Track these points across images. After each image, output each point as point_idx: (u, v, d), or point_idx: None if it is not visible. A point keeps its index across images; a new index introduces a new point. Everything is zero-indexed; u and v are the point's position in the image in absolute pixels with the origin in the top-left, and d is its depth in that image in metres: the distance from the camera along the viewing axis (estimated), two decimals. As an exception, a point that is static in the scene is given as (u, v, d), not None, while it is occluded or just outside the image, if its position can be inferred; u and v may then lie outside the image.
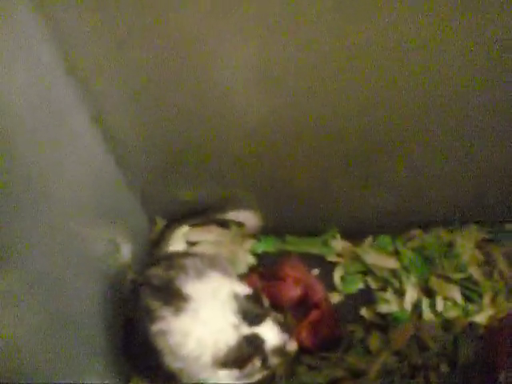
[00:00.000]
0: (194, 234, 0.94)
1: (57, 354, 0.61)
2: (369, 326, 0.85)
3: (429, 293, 0.87)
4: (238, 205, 0.89)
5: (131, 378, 0.81)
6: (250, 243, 0.94)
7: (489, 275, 0.87)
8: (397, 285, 0.87)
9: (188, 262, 0.73)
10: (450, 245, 0.90)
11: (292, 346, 0.73)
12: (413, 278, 0.87)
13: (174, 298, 0.68)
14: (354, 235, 0.94)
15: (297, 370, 0.80)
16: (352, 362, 0.81)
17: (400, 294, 0.87)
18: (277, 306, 0.81)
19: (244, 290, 0.72)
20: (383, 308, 0.86)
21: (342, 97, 0.69)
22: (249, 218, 0.90)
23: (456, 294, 0.85)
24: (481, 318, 0.82)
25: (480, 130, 0.74)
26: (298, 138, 0.76)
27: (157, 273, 0.72)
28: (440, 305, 0.85)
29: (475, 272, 0.87)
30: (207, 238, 0.94)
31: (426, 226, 0.93)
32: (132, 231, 0.89)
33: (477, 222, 0.91)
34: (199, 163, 0.83)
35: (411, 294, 0.86)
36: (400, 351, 0.80)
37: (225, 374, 0.68)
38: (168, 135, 0.77)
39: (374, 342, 0.83)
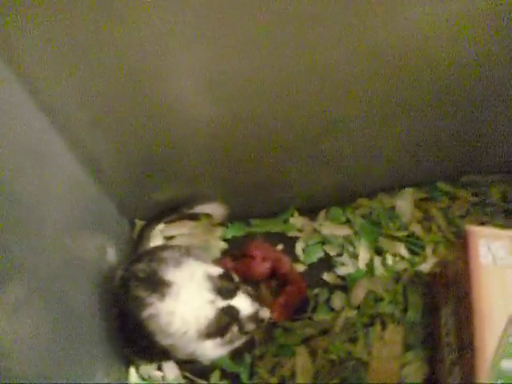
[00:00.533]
0: (170, 229, 1.05)
1: (64, 350, 0.72)
2: (332, 288, 0.97)
3: (379, 252, 0.99)
4: (204, 199, 1.00)
5: (131, 362, 0.93)
6: (219, 231, 1.05)
7: (428, 230, 1.00)
8: (351, 249, 1.00)
9: (166, 253, 0.84)
10: (393, 208, 1.03)
11: (264, 314, 0.84)
12: (364, 242, 1.00)
13: (158, 285, 0.79)
14: (310, 211, 1.06)
15: (274, 334, 0.93)
16: (319, 321, 0.93)
17: (355, 256, 0.99)
18: (250, 282, 0.94)
19: (216, 270, 0.83)
20: (342, 270, 0.98)
21: (289, 91, 0.78)
22: (215, 208, 1.01)
23: (402, 249, 0.98)
24: (425, 267, 0.96)
25: (404, 107, 0.85)
26: (252, 133, 0.86)
27: (141, 267, 0.83)
28: (390, 260, 0.98)
29: (416, 228, 1.00)
30: (181, 232, 1.05)
31: (370, 195, 1.06)
32: (115, 235, 0.99)
33: (414, 185, 1.04)
34: (168, 167, 0.93)
35: (364, 255, 0.99)
36: (359, 305, 0.93)
37: (209, 343, 0.80)
38: (135, 147, 0.86)
39: (337, 301, 0.96)
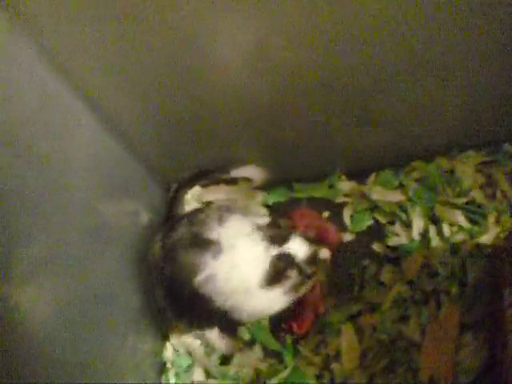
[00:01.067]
0: (206, 194, 0.99)
1: (97, 321, 0.72)
2: (381, 260, 0.90)
3: (435, 221, 0.91)
4: (240, 161, 0.93)
5: (168, 334, 0.89)
6: (260, 196, 0.99)
7: (491, 196, 0.90)
8: (404, 217, 0.92)
9: (207, 213, 0.82)
10: (451, 172, 0.93)
11: (324, 254, 0.81)
12: (418, 209, 0.91)
13: (207, 246, 0.76)
14: (359, 174, 0.98)
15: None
16: (368, 296, 0.87)
17: (408, 225, 0.91)
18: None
19: (263, 220, 0.81)
20: (393, 241, 0.90)
21: (336, 40, 0.71)
22: (253, 172, 0.96)
23: (461, 218, 0.89)
24: (487, 239, 0.86)
25: (467, 55, 0.75)
26: (293, 87, 0.79)
27: (184, 231, 0.80)
28: (446, 230, 0.89)
29: (477, 195, 0.90)
30: (218, 197, 0.99)
31: (426, 157, 0.96)
32: (148, 199, 0.96)
33: (476, 147, 0.93)
34: (202, 128, 0.88)
35: (418, 224, 0.90)
36: (412, 280, 0.86)
37: (272, 294, 0.77)
38: (169, 108, 0.83)
39: (387, 274, 0.88)
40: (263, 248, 0.76)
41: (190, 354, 0.90)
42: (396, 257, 0.90)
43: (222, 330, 0.88)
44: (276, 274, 0.76)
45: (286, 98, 0.81)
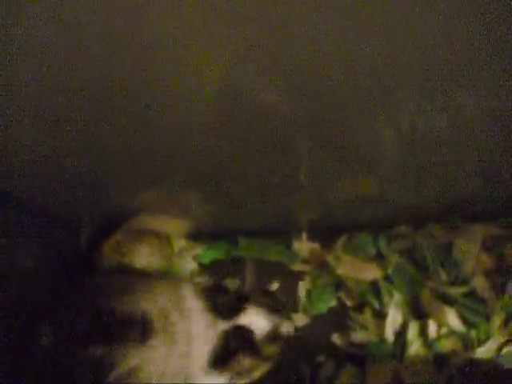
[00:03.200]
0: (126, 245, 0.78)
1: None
2: (342, 358, 0.68)
3: (419, 314, 0.68)
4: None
5: None
6: (194, 250, 0.77)
7: (500, 289, 0.66)
8: (376, 304, 0.69)
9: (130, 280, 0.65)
10: (448, 247, 0.70)
11: (287, 327, 0.64)
12: (398, 296, 0.69)
13: (129, 329, 0.58)
14: (325, 235, 0.75)
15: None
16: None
17: (380, 316, 0.69)
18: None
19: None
20: (358, 336, 0.68)
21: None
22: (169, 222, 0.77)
23: (453, 317, 0.66)
24: (486, 351, 0.64)
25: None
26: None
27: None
28: (432, 332, 0.66)
29: (480, 285, 0.67)
30: (140, 251, 0.77)
31: (417, 222, 0.73)
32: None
33: (484, 216, 0.69)
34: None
35: (394, 317, 0.69)
36: (377, 398, 0.64)
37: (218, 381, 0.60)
38: None
39: (346, 379, 0.66)
40: (208, 321, 0.60)
41: None
42: (361, 356, 0.68)
43: None
44: (225, 356, 0.60)
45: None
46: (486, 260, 0.68)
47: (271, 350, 0.62)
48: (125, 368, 0.56)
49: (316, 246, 0.75)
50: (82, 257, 0.77)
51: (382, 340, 0.67)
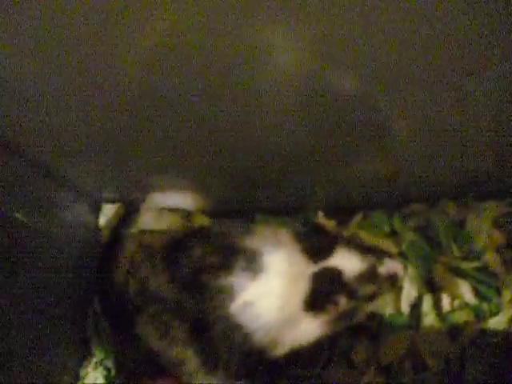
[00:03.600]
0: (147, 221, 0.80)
1: None
2: (355, 331, 0.70)
3: (432, 287, 0.70)
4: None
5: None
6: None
7: (510, 264, 0.69)
8: (392, 279, 0.71)
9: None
10: (461, 223, 0.72)
11: (389, 266, 0.62)
12: (411, 270, 0.70)
13: (241, 265, 0.60)
14: (340, 212, 0.77)
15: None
16: (331, 379, 0.67)
17: (396, 290, 0.71)
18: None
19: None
20: (374, 309, 0.70)
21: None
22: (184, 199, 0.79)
23: (467, 289, 0.69)
24: (497, 323, 0.67)
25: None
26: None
27: (202, 251, 0.62)
28: (446, 304, 0.69)
29: (493, 260, 0.69)
30: (160, 226, 0.79)
31: (430, 200, 0.75)
32: (78, 220, 0.80)
33: (496, 195, 0.72)
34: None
35: (409, 292, 0.70)
36: (390, 367, 0.66)
37: (314, 324, 0.59)
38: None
39: (360, 353, 0.69)
40: (300, 264, 0.60)
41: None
42: (375, 328, 0.70)
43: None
44: (318, 299, 0.59)
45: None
46: (497, 236, 0.71)
47: (368, 290, 0.61)
48: (241, 300, 0.58)
49: (332, 223, 0.78)
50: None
51: (398, 313, 0.70)
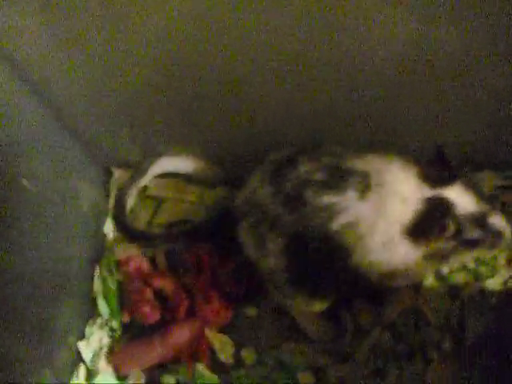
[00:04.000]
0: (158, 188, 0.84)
1: None
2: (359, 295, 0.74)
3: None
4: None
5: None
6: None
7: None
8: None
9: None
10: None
11: (498, 221, 0.60)
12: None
13: (349, 183, 0.60)
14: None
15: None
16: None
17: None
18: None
19: None
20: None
21: None
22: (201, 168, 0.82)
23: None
24: (494, 284, 0.71)
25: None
26: None
27: (311, 167, 0.62)
28: (445, 267, 0.73)
29: (490, 225, 0.74)
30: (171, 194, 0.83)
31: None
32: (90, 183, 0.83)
33: (492, 167, 0.77)
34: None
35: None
36: (394, 326, 0.70)
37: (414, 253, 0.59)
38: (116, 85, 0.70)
39: (365, 315, 0.73)
40: (414, 187, 0.59)
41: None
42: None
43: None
44: (424, 225, 0.58)
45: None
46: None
47: (474, 234, 0.59)
48: (346, 219, 0.59)
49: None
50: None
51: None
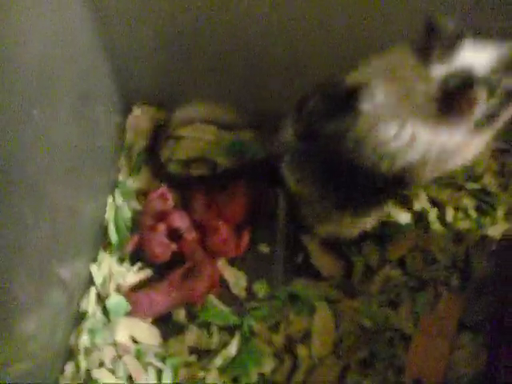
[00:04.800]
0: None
1: None
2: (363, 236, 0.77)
3: (436, 203, 0.80)
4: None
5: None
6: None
7: (504, 188, 0.80)
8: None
9: None
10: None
11: None
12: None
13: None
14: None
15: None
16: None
17: (405, 200, 0.80)
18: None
19: None
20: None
21: None
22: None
23: (469, 203, 0.79)
24: (494, 232, 0.76)
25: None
26: None
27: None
28: (449, 215, 0.78)
29: (490, 182, 0.80)
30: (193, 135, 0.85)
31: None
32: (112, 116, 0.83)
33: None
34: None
35: (418, 201, 0.79)
36: (405, 264, 0.74)
37: (452, 135, 0.56)
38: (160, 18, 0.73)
39: (373, 254, 0.76)
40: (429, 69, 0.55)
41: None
42: (381, 234, 0.78)
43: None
44: (452, 100, 0.54)
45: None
46: (493, 165, 0.82)
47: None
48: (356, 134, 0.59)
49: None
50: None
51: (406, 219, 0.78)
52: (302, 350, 0.69)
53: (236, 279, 0.75)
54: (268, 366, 0.68)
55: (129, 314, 0.72)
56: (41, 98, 0.57)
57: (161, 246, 0.75)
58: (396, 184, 0.62)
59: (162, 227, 0.76)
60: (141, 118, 0.84)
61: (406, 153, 0.58)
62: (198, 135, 0.84)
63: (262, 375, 0.68)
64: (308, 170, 0.66)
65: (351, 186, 0.64)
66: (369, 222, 0.72)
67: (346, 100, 0.60)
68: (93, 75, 0.74)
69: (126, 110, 0.86)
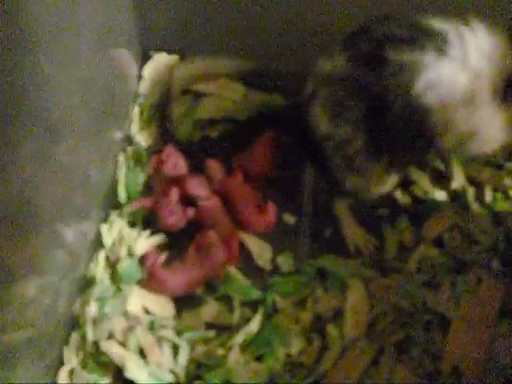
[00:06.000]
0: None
1: None
2: (398, 211, 0.73)
3: (474, 183, 0.75)
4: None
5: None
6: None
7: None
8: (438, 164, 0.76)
9: None
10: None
11: None
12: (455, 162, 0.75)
13: (429, 41, 0.57)
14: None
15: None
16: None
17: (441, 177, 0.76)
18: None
19: None
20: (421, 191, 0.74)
21: None
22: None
23: (508, 184, 0.75)
24: (535, 215, 0.73)
25: None
26: None
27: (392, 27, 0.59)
28: (488, 195, 0.74)
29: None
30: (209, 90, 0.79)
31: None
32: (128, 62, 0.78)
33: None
34: None
35: (457, 180, 0.74)
36: (442, 244, 0.70)
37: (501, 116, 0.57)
38: None
39: (407, 234, 0.71)
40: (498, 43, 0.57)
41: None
42: (417, 213, 0.73)
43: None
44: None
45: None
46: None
47: None
48: (426, 79, 0.56)
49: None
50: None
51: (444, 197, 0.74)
52: (332, 330, 0.64)
53: (261, 250, 0.70)
54: (295, 346, 0.63)
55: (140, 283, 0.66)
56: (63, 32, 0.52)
57: (173, 215, 0.69)
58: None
59: (175, 194, 0.70)
60: (159, 67, 0.77)
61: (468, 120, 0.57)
62: (224, 93, 0.78)
63: (288, 357, 0.63)
64: (350, 103, 0.60)
65: (393, 133, 0.60)
66: (391, 183, 0.68)
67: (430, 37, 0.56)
68: (114, 14, 0.68)
69: (145, 59, 0.80)
